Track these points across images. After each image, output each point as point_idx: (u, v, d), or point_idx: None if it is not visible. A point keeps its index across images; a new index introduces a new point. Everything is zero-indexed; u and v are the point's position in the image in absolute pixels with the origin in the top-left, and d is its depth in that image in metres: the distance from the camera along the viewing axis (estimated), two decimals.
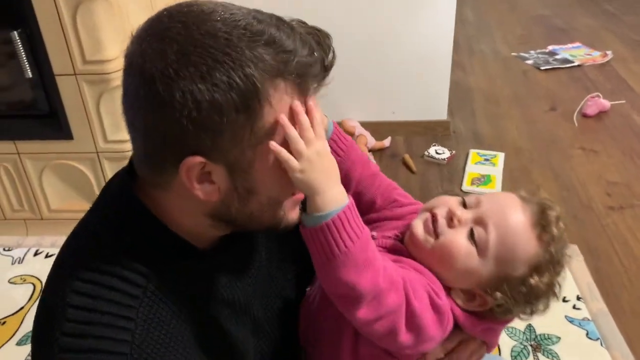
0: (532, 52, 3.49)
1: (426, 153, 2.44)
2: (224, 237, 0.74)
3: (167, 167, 0.61)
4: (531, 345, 1.52)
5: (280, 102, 0.60)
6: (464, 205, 0.78)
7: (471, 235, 0.74)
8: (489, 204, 0.76)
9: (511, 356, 1.49)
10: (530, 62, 3.36)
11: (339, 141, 0.85)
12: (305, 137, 0.62)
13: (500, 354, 1.49)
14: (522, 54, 3.47)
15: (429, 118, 2.59)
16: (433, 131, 2.60)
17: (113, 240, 0.66)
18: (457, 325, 0.76)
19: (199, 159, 0.59)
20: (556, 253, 0.74)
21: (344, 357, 0.79)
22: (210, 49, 0.56)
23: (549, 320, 1.60)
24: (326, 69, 0.63)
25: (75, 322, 0.61)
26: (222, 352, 0.73)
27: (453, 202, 0.78)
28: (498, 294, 0.73)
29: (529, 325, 1.58)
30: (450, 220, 0.75)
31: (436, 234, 0.75)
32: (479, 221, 0.74)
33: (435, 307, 0.72)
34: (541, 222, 0.74)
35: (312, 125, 0.63)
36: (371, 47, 2.42)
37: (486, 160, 2.39)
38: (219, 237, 0.73)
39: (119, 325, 0.61)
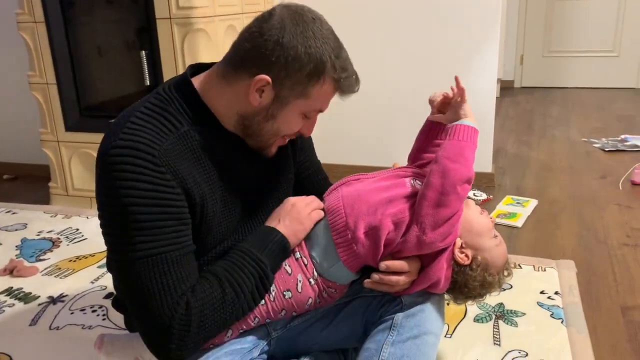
0: (603, 139, 3.66)
1: None
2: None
3: (246, 73, 1.04)
4: (495, 315, 1.71)
5: (325, 89, 1.07)
6: None
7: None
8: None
9: (474, 319, 1.69)
10: (597, 145, 3.53)
11: (459, 133, 1.22)
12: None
13: (464, 316, 1.70)
14: (592, 139, 3.66)
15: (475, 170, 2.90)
16: (478, 181, 2.89)
17: (168, 100, 1.08)
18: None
19: (268, 78, 1.03)
20: (501, 280, 1.27)
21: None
22: (317, 33, 1.03)
23: (520, 301, 1.78)
24: (353, 90, 1.12)
25: (128, 129, 1.02)
26: (228, 192, 1.14)
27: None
28: (479, 258, 1.21)
29: (501, 303, 1.77)
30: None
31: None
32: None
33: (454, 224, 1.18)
34: (508, 268, 1.30)
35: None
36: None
37: (518, 203, 2.61)
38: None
39: (153, 139, 1.01)
